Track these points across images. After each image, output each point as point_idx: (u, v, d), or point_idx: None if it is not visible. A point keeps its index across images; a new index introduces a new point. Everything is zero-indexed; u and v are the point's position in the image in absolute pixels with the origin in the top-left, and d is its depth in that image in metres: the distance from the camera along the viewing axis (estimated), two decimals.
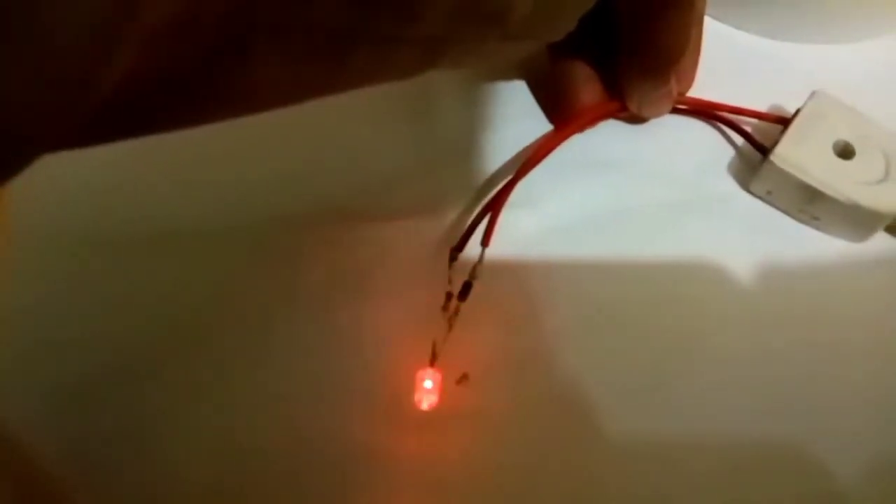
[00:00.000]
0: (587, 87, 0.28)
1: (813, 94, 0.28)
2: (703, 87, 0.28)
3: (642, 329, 0.26)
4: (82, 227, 0.27)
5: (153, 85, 0.14)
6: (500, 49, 0.21)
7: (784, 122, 0.27)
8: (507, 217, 0.26)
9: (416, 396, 0.25)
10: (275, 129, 0.28)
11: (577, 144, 0.28)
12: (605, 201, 0.28)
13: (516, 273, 0.27)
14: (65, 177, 0.26)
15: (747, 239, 0.27)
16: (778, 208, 0.28)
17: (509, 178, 0.26)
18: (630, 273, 0.27)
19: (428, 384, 0.25)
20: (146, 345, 0.26)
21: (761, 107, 0.29)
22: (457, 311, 0.25)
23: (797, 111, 0.27)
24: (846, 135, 0.27)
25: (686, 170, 0.29)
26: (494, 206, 0.26)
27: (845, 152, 0.27)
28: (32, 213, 0.27)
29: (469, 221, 0.26)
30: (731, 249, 0.27)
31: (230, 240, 0.27)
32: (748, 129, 0.28)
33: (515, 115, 0.29)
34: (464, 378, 0.25)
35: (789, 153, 0.26)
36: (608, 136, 0.29)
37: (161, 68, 0.14)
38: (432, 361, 0.25)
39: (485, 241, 0.25)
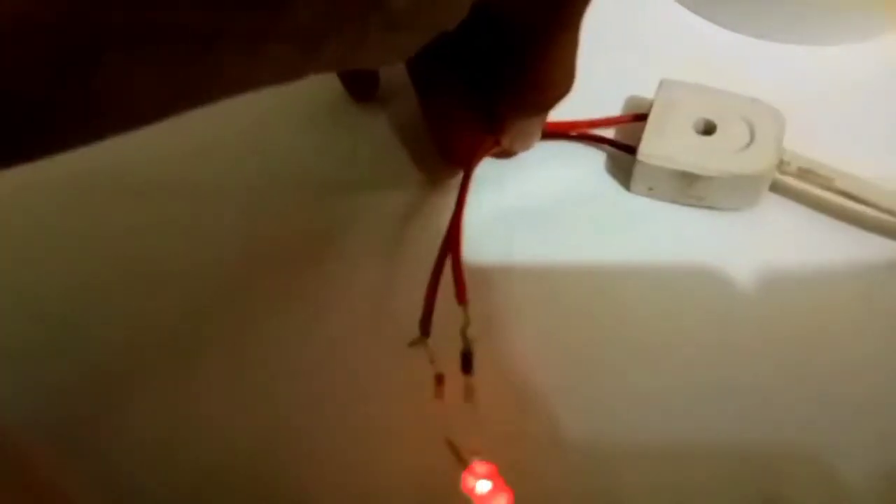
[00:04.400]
0: (463, 129, 0.27)
1: (661, 82, 0.28)
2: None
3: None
4: (68, 173, 0.28)
5: None
6: (386, 42, 0.19)
7: (643, 118, 0.28)
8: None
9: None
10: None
11: None
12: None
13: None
14: None
15: (665, 240, 0.27)
16: (665, 200, 0.28)
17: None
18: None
19: (484, 485, 0.21)
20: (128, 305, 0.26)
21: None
22: (471, 391, 0.21)
23: (651, 104, 0.28)
24: (704, 112, 0.27)
25: (567, 188, 0.29)
26: (454, 257, 0.23)
27: (708, 129, 0.27)
28: None
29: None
30: (640, 254, 0.27)
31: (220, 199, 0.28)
32: (610, 136, 0.29)
33: None
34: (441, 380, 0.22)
35: (653, 147, 0.27)
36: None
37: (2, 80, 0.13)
38: (466, 464, 0.21)
39: (460, 298, 0.22)
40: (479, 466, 0.21)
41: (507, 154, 0.29)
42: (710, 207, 0.27)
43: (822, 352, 0.25)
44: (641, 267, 0.27)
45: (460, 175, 0.26)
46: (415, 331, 0.22)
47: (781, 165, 0.27)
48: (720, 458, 0.23)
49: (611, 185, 0.29)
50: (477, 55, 0.26)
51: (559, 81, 0.25)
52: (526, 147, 0.28)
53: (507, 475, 0.21)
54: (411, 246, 0.27)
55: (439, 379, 0.22)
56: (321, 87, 0.30)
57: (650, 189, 0.28)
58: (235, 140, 0.30)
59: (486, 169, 0.28)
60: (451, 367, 0.22)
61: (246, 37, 0.16)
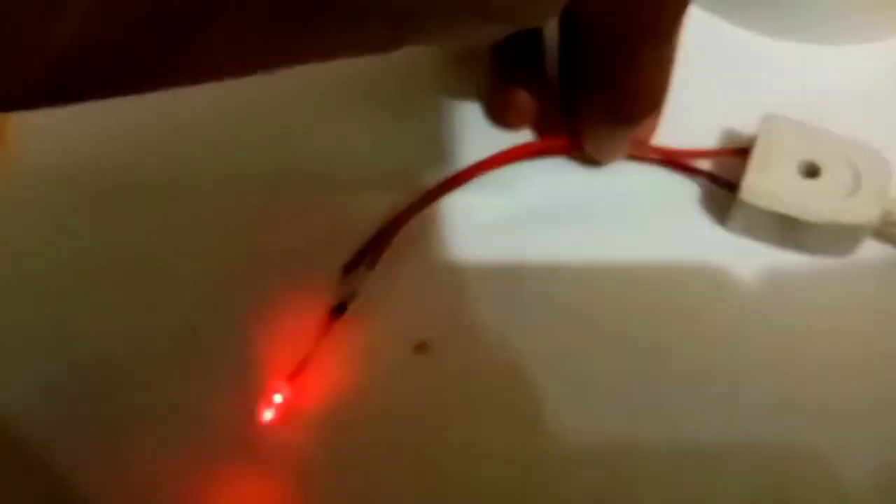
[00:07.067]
0: (514, 116, 0.27)
1: (765, 118, 0.27)
2: (702, 83, 0.28)
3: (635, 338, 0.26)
4: (74, 169, 0.28)
5: (103, 48, 0.14)
6: (475, 31, 0.20)
7: (743, 153, 0.27)
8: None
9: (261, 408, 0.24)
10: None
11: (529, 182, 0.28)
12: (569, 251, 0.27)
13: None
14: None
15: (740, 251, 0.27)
16: (760, 240, 0.27)
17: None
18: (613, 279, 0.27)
19: (278, 398, 0.24)
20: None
21: (757, 104, 0.28)
22: (327, 329, 0.25)
23: (754, 140, 0.27)
24: (808, 154, 0.27)
25: (655, 216, 0.28)
26: (397, 225, 0.25)
27: (812, 171, 0.26)
28: None
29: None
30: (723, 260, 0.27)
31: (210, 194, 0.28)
32: (711, 169, 0.28)
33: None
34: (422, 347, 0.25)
35: (757, 186, 0.26)
36: (567, 176, 0.28)
37: (111, 33, 0.14)
38: (293, 375, 0.24)
39: (371, 264, 0.25)
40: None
41: (594, 161, 0.28)
42: (803, 252, 0.27)
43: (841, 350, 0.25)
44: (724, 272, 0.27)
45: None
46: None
47: (886, 215, 0.26)
48: (722, 458, 0.23)
49: (704, 221, 0.28)
50: (566, 50, 0.25)
51: (644, 95, 0.24)
52: (608, 159, 0.28)
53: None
54: (421, 250, 0.26)
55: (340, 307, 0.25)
56: (336, 83, 0.30)
57: (747, 229, 0.27)
58: (242, 137, 0.29)
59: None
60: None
61: (347, 13, 0.17)
